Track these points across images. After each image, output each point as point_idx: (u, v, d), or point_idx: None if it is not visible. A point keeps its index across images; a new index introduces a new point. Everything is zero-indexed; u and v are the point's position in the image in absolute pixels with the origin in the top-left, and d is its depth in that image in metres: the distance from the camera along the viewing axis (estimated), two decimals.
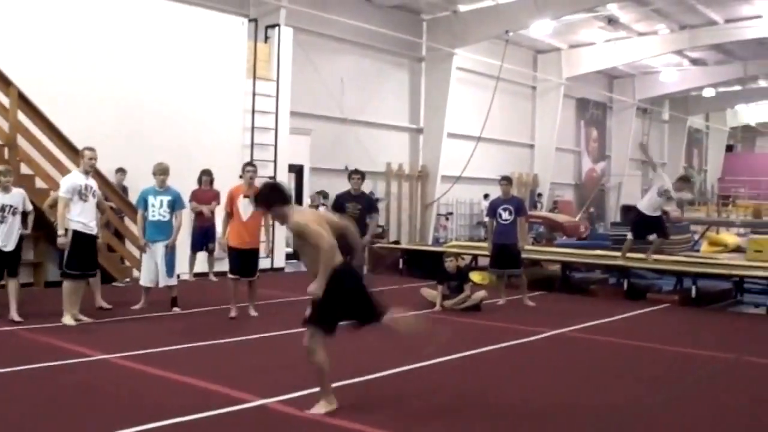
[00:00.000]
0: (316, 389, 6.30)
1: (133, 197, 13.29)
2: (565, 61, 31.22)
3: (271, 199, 6.24)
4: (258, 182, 10.84)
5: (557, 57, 31.27)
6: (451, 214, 27.50)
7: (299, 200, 20.50)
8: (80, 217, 10.14)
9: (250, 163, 11.96)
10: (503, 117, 29.05)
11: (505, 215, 13.03)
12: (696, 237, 20.61)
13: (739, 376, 8.50)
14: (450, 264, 12.59)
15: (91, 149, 10.42)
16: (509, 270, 13.27)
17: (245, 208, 11.07)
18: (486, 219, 14.31)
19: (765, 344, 10.66)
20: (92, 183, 10.45)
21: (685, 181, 15.05)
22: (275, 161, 17.86)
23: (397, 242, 22.47)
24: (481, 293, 12.43)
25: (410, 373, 7.84)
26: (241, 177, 11.45)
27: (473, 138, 26.22)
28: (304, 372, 6.58)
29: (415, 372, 7.90)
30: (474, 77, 27.56)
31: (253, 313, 11.33)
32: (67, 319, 10.12)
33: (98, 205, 10.66)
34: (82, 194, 10.17)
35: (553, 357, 9.23)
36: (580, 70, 31.50)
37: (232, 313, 11.13)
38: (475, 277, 14.80)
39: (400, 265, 17.86)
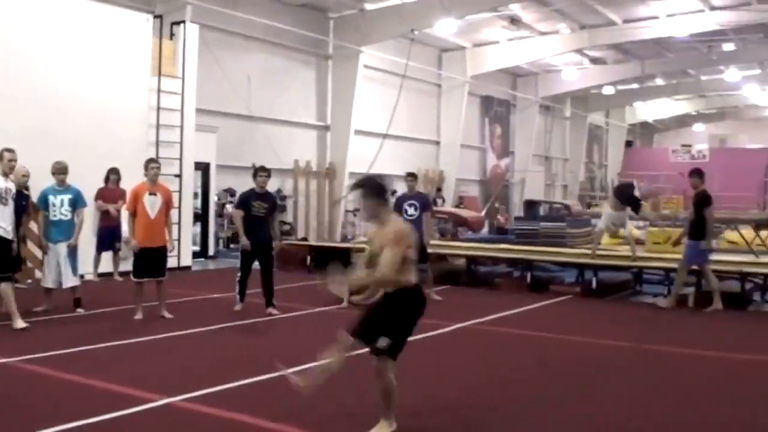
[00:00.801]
0: (222, 385, 6.30)
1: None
2: (469, 59, 31.60)
3: (380, 192, 5.84)
4: (162, 180, 10.70)
5: (462, 55, 31.64)
6: (358, 210, 27.61)
7: (205, 199, 20.35)
8: None
9: (154, 160, 11.72)
10: (409, 114, 29.31)
11: (411, 211, 13.21)
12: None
13: (638, 365, 8.81)
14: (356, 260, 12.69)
15: (10, 150, 10.03)
16: (416, 265, 13.42)
17: (151, 205, 10.89)
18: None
19: (662, 333, 11.06)
20: (11, 186, 10.05)
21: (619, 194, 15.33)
22: (181, 159, 17.69)
23: (305, 239, 22.49)
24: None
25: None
26: (145, 174, 11.21)
27: (380, 135, 26.37)
28: (209, 370, 6.60)
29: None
30: (380, 75, 27.72)
31: (167, 315, 11.01)
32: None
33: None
34: (1, 198, 9.79)
35: (458, 350, 9.41)
36: (485, 68, 31.93)
37: (138, 315, 10.92)
38: None
39: (308, 263, 17.87)
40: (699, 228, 12.58)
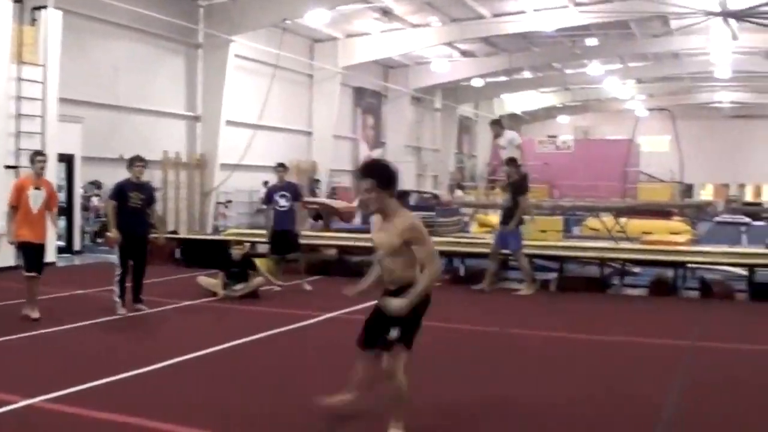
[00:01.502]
0: (85, 384, 6.20)
1: None
2: (341, 50, 31.69)
3: (390, 182, 5.27)
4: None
5: (334, 46, 31.70)
6: (230, 202, 27.35)
7: (70, 192, 19.73)
8: None
9: (41, 152, 11.15)
10: (281, 105, 29.21)
11: (283, 202, 13.20)
12: (466, 219, 21.54)
13: (503, 348, 9.10)
14: (237, 251, 12.59)
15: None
16: (288, 254, 13.48)
17: (35, 199, 10.32)
18: (264, 206, 14.32)
19: (525, 317, 11.43)
20: None
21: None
22: (43, 150, 17.10)
23: (174, 232, 22.09)
24: (258, 279, 12.51)
25: (184, 365, 7.84)
26: (31, 167, 10.59)
27: (252, 126, 26.21)
28: (73, 368, 6.45)
29: (189, 363, 7.91)
30: (252, 65, 27.51)
31: (35, 315, 10.28)
32: None
33: None
34: None
35: (327, 339, 9.47)
36: (357, 59, 32.09)
37: (35, 314, 10.20)
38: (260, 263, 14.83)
39: (177, 255, 17.58)
40: (513, 214, 13.14)
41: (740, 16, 25.63)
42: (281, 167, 13.86)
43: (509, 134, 15.18)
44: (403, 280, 5.37)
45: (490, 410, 6.55)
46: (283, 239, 13.26)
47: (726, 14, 25.13)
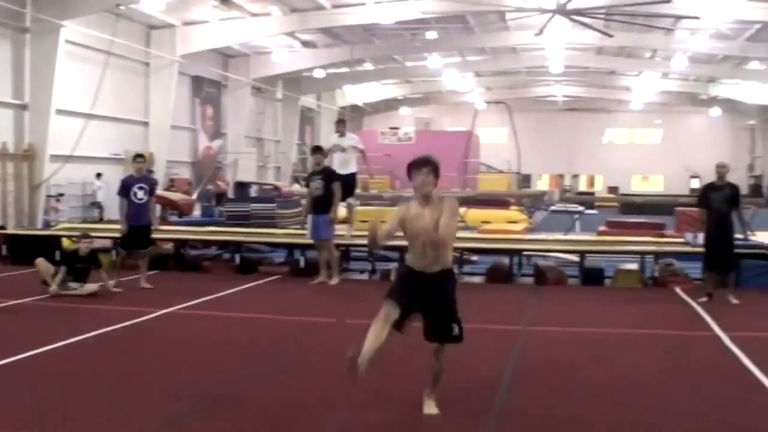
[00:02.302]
0: None
1: None
2: (179, 38, 30.85)
3: (438, 171, 6.06)
4: None
5: (171, 34, 30.81)
6: (62, 195, 26.22)
7: None
8: None
9: None
10: (116, 93, 28.17)
11: (141, 194, 12.54)
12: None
13: (342, 339, 9.03)
14: (83, 246, 11.97)
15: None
16: (142, 250, 12.84)
17: None
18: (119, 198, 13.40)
19: (365, 306, 11.42)
20: None
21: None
22: None
23: (2, 227, 20.97)
24: (92, 286, 11.82)
25: (10, 367, 7.41)
26: None
27: (84, 115, 25.23)
28: None
29: (16, 365, 7.49)
30: (84, 51, 26.40)
31: None
32: None
33: None
34: None
35: (161, 336, 9.25)
36: (195, 47, 31.32)
37: None
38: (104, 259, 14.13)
39: (4, 252, 16.64)
40: (329, 202, 13.07)
41: (573, 13, 26.56)
42: (140, 158, 13.28)
43: (352, 138, 14.98)
44: (448, 261, 6.05)
45: (333, 402, 6.47)
46: (139, 234, 12.65)
47: (559, 12, 25.95)
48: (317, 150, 13.91)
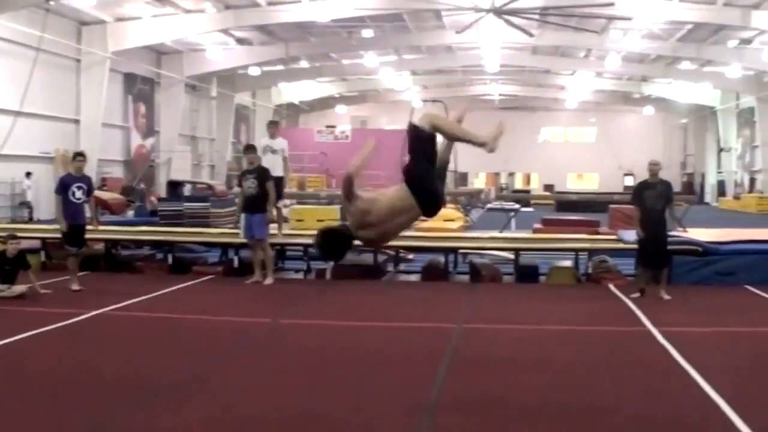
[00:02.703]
0: None
1: None
2: (111, 34, 30.24)
3: None
4: None
5: (102, 30, 30.18)
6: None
7: None
8: None
9: None
10: (46, 91, 27.58)
11: (79, 194, 12.17)
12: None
13: (278, 339, 8.96)
14: (11, 247, 11.60)
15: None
16: (80, 250, 12.49)
17: None
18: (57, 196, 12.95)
19: (300, 306, 11.35)
20: None
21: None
22: None
23: None
24: (20, 288, 11.50)
25: None
26: None
27: (12, 112, 24.67)
28: None
29: None
30: (13, 47, 25.79)
31: None
32: None
33: None
34: None
35: (96, 336, 9.04)
36: (127, 44, 30.77)
37: None
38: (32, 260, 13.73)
39: None
40: (263, 201, 12.92)
41: (508, 13, 26.75)
42: (80, 157, 12.88)
43: (282, 142, 14.78)
44: None
45: (268, 401, 6.37)
46: (74, 234, 12.29)
47: (494, 11, 26.12)
48: (250, 149, 13.77)
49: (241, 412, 6.06)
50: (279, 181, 14.16)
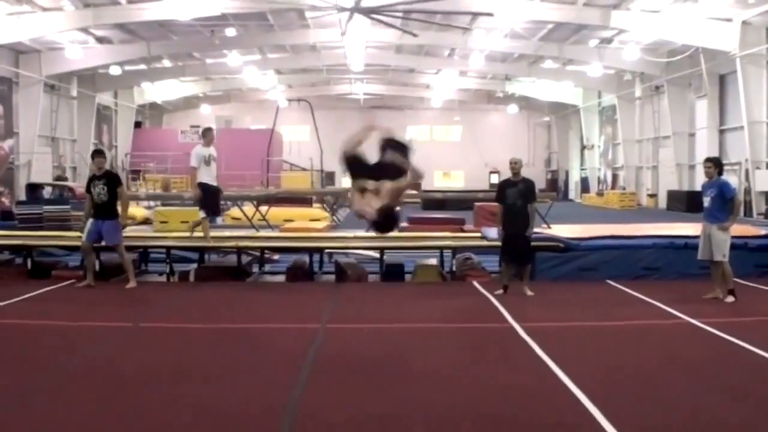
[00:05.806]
0: None
1: None
2: None
3: None
4: None
5: None
6: None
7: None
8: None
9: None
10: None
11: None
12: None
13: (141, 343, 8.85)
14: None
15: None
16: None
17: None
18: None
19: (163, 309, 11.26)
20: None
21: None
22: None
23: None
24: None
25: None
26: None
27: None
28: None
29: None
30: None
31: None
32: None
33: None
34: None
35: None
36: None
37: None
38: None
39: None
40: (114, 207, 12.75)
41: (370, 12, 27.02)
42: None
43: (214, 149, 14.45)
44: None
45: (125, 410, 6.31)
46: None
47: (357, 10, 26.34)
48: (99, 153, 13.57)
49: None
50: (217, 193, 14.02)
